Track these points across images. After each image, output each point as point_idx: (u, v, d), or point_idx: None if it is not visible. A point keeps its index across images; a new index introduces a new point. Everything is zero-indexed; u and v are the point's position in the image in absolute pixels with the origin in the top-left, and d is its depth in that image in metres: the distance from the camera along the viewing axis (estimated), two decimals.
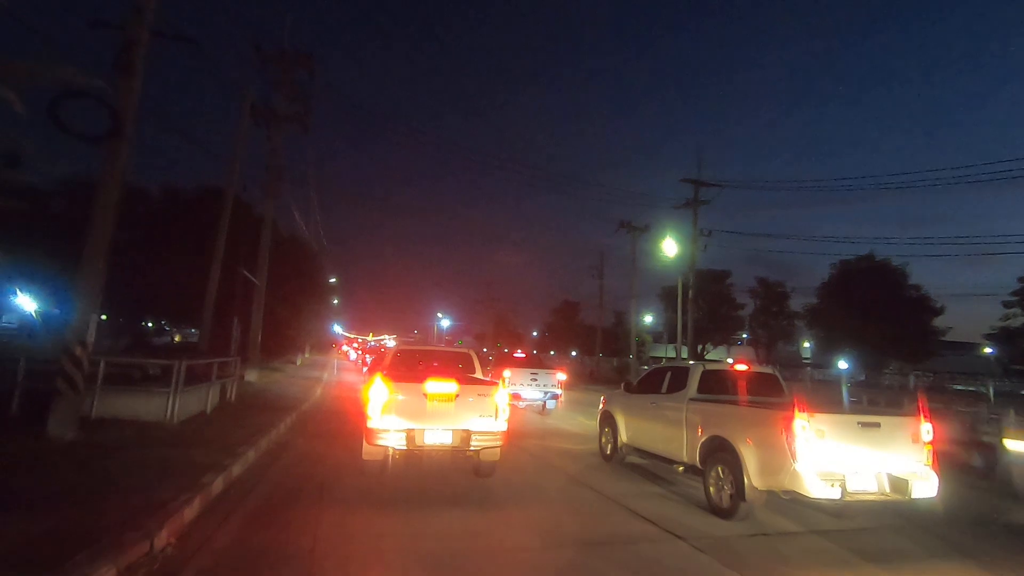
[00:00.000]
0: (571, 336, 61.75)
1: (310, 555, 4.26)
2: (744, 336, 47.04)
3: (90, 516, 4.25)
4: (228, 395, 11.53)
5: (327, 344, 67.48)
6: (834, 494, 5.01)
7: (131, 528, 4.03)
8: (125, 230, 20.61)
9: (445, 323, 79.03)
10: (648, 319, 48.45)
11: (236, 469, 6.32)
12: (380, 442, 6.14)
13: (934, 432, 5.58)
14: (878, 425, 5.48)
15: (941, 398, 22.31)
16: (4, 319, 36.37)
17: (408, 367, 7.92)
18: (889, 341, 30.42)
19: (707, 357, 39.41)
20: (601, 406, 9.20)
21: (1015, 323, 29.63)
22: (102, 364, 7.91)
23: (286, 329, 26.12)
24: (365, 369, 27.27)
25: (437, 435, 6.25)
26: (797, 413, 5.20)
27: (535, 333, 72.38)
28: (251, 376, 16.75)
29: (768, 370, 8.07)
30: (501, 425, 6.47)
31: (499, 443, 6.50)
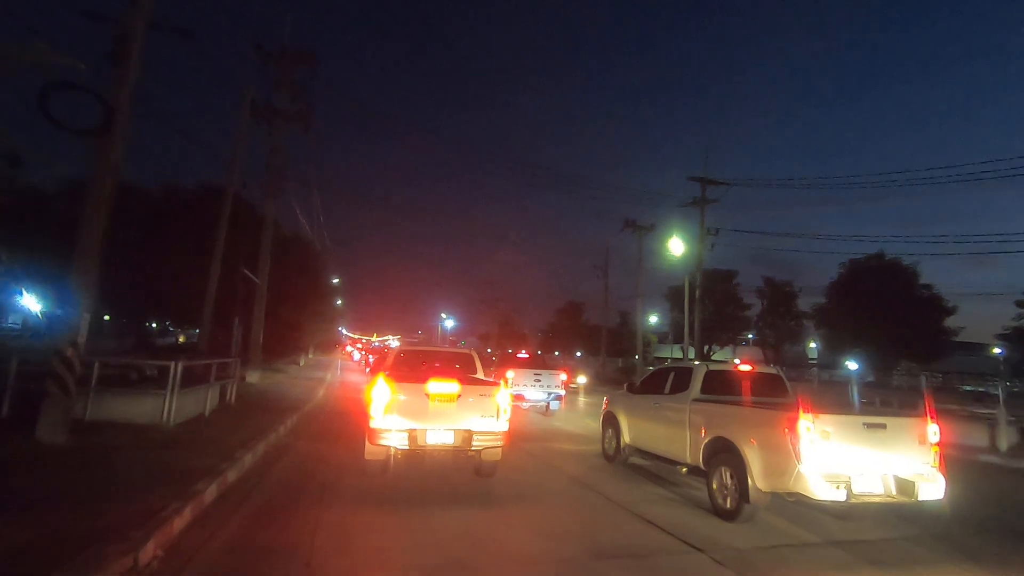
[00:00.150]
0: (575, 336, 61.43)
1: (305, 568, 4.01)
2: (750, 336, 46.60)
3: (72, 527, 4.01)
4: (228, 397, 11.32)
5: (331, 345, 67.44)
6: (839, 496, 4.92)
7: (115, 540, 3.78)
8: (126, 230, 20.50)
9: (449, 323, 78.88)
10: (653, 319, 48.10)
11: (231, 475, 6.07)
12: (382, 442, 6.17)
13: (940, 434, 5.47)
14: (884, 426, 5.38)
15: (954, 400, 21.96)
16: (10, 320, 36.47)
17: (410, 367, 7.92)
18: (899, 341, 29.94)
19: (713, 358, 39.03)
20: (604, 407, 9.13)
21: None
22: (96, 365, 7.69)
23: (289, 330, 25.95)
24: (368, 370, 27.10)
25: (439, 435, 6.29)
26: (801, 414, 5.10)
27: (539, 333, 72.07)
28: (252, 377, 16.55)
29: (772, 370, 7.96)
30: (503, 425, 6.51)
31: (501, 443, 6.53)
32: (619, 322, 53.13)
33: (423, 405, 6.30)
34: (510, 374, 14.98)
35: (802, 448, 5.05)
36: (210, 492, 5.35)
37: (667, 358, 40.91)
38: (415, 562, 4.30)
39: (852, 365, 30.83)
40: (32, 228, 19.14)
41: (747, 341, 46.82)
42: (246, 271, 15.58)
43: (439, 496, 6.16)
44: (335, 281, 41.58)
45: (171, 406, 8.03)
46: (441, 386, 6.41)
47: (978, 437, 13.37)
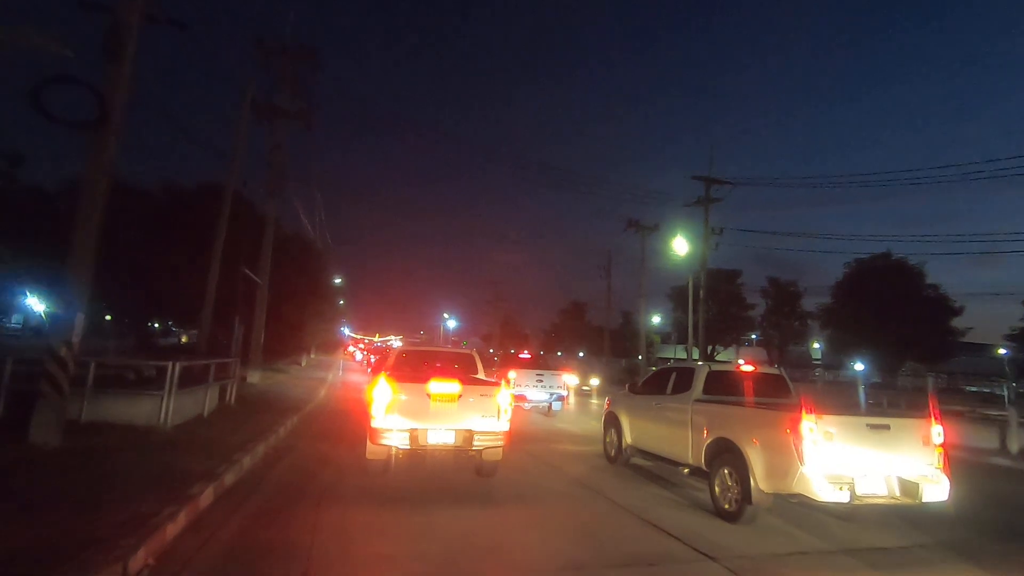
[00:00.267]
0: (578, 337, 61.22)
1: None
2: (753, 336, 46.32)
3: (60, 534, 3.86)
4: (227, 397, 11.17)
5: (333, 345, 67.33)
6: (842, 498, 4.88)
7: (104, 548, 3.63)
8: (127, 230, 20.41)
9: (451, 324, 78.71)
10: (656, 319, 47.82)
11: (229, 478, 5.92)
12: (384, 441, 6.22)
13: (944, 435, 5.41)
14: (887, 427, 5.33)
15: (959, 401, 21.70)
16: (13, 320, 36.47)
17: (411, 367, 7.95)
18: (905, 342, 29.67)
19: (717, 358, 38.79)
20: (605, 407, 9.09)
21: None
22: (92, 366, 7.54)
23: (290, 330, 25.82)
24: (370, 370, 26.98)
25: (440, 435, 6.33)
26: (804, 415, 5.05)
27: (542, 334, 71.86)
28: (253, 377, 16.42)
29: (775, 371, 7.93)
30: (503, 425, 6.55)
31: (501, 443, 6.57)
32: (622, 322, 52.90)
33: (424, 405, 6.32)
34: (512, 374, 14.93)
35: (805, 449, 5.00)
36: (206, 496, 5.19)
37: (670, 358, 40.64)
38: (419, 571, 4.17)
39: (858, 366, 30.52)
40: (35, 227, 19.10)
41: (750, 341, 46.55)
42: (247, 271, 15.45)
43: (440, 498, 6.10)
44: (337, 281, 41.44)
45: (168, 407, 7.88)
46: (442, 386, 6.43)
47: (987, 439, 13.14)
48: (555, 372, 16.14)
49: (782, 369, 8.26)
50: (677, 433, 6.85)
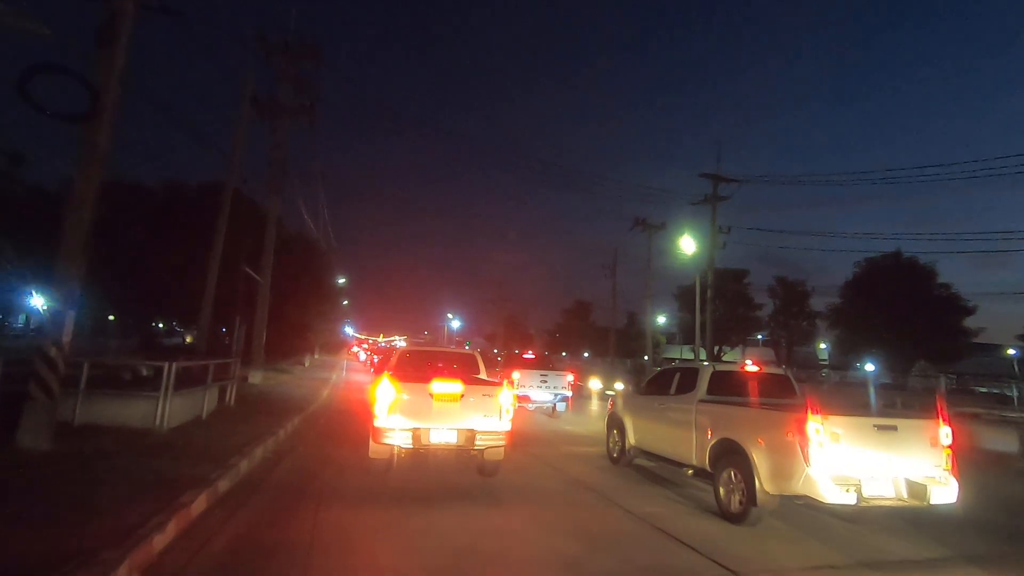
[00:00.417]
0: (583, 337, 60.87)
1: None
2: (759, 337, 45.86)
3: (39, 547, 3.60)
4: (227, 398, 10.93)
5: (337, 345, 67.21)
6: (849, 500, 4.82)
7: (84, 562, 3.37)
8: (129, 229, 20.26)
9: (455, 324, 78.54)
10: (661, 320, 47.44)
11: (223, 484, 5.65)
12: (387, 441, 6.27)
13: (953, 436, 5.34)
14: (895, 428, 5.29)
15: (971, 402, 21.22)
16: (19, 320, 36.50)
17: (414, 367, 7.99)
18: (916, 342, 29.18)
19: (724, 358, 38.37)
20: (609, 408, 9.07)
21: None
22: (85, 366, 7.31)
23: (293, 330, 25.63)
24: (373, 370, 26.78)
25: (442, 434, 6.37)
26: (810, 415, 5.00)
27: (546, 334, 71.53)
28: (255, 378, 16.21)
29: (780, 371, 7.88)
30: (505, 425, 6.58)
31: (503, 442, 6.60)
32: (627, 323, 52.55)
33: (427, 405, 6.37)
34: (516, 375, 14.85)
35: (811, 450, 4.94)
36: (198, 503, 4.93)
37: (675, 359, 40.29)
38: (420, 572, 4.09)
39: (869, 367, 30.07)
40: (36, 227, 18.97)
41: (756, 342, 46.10)
42: (248, 269, 15.22)
43: (443, 498, 6.08)
44: (341, 281, 41.28)
45: (165, 409, 7.64)
46: (444, 386, 6.47)
47: (1006, 442, 12.76)
48: (559, 373, 16.00)
49: (787, 369, 8.17)
50: (681, 434, 6.79)
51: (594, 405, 20.07)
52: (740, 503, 5.58)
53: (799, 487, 5.01)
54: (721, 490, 5.90)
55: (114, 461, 5.88)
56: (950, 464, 5.26)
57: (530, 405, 15.09)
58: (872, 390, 23.18)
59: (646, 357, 31.82)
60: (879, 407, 19.39)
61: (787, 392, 7.10)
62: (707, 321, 25.32)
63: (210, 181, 20.79)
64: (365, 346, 66.71)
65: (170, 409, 7.77)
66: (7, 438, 5.84)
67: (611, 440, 8.71)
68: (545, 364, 17.14)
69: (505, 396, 6.66)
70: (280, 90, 16.50)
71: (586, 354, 59.28)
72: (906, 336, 28.99)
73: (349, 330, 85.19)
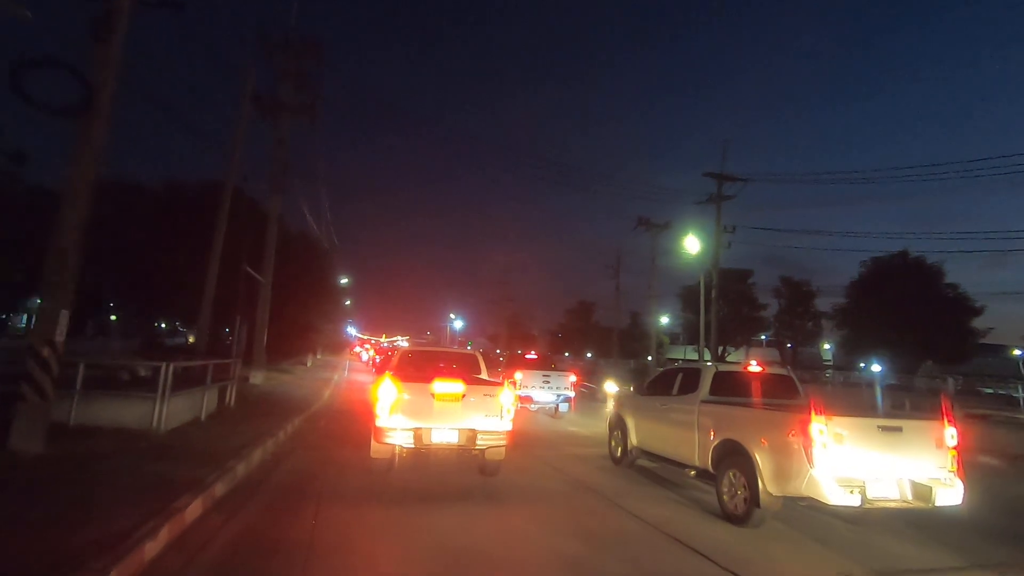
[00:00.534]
0: (586, 337, 60.66)
1: None
2: (763, 337, 45.58)
3: (20, 554, 3.46)
4: (227, 399, 10.79)
5: (340, 345, 67.14)
6: (853, 501, 4.80)
7: (72, 572, 3.22)
8: (131, 228, 20.16)
9: (458, 324, 78.39)
10: (664, 320, 47.20)
11: (220, 487, 5.50)
12: (388, 440, 6.30)
13: (958, 437, 5.31)
14: (900, 429, 5.25)
15: (978, 403, 20.95)
16: (21, 319, 36.50)
17: (415, 367, 8.02)
18: (923, 342, 28.86)
19: (728, 359, 38.09)
20: (611, 408, 9.12)
21: None
22: (81, 366, 7.17)
23: (295, 330, 25.52)
24: (375, 370, 26.64)
25: (444, 434, 6.40)
26: (814, 416, 4.96)
27: (549, 334, 71.32)
28: (256, 378, 16.09)
29: (783, 372, 7.88)
30: (506, 424, 6.61)
31: (504, 442, 6.64)
32: (630, 323, 52.32)
33: (428, 404, 6.40)
34: (518, 375, 14.76)
35: (814, 451, 4.90)
36: (193, 509, 4.77)
37: (678, 359, 40.02)
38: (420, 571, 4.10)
39: (875, 367, 29.77)
40: (42, 227, 18.88)
41: (760, 342, 45.80)
42: (249, 269, 15.09)
43: (444, 497, 6.10)
44: (343, 281, 41.20)
45: (162, 410, 7.49)
46: (446, 386, 6.50)
47: (1017, 444, 12.53)
48: (562, 373, 15.85)
49: (790, 370, 8.09)
50: (683, 435, 6.76)
51: (609, 407, 19.79)
52: (743, 504, 5.55)
53: (803, 488, 4.97)
54: (724, 491, 5.85)
55: (107, 464, 5.73)
56: (956, 466, 5.20)
57: (532, 406, 14.96)
58: (879, 391, 22.92)
59: (650, 358, 31.61)
60: (887, 408, 19.18)
61: (790, 393, 7.06)
62: (712, 321, 25.10)
63: (211, 180, 20.69)
64: (368, 346, 66.64)
65: (167, 410, 7.62)
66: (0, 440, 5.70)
67: (613, 441, 8.69)
68: (548, 364, 16.98)
69: (506, 396, 6.68)
70: (281, 88, 16.38)
71: (589, 355, 59.05)
72: (913, 336, 28.67)
73: (352, 330, 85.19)
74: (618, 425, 8.55)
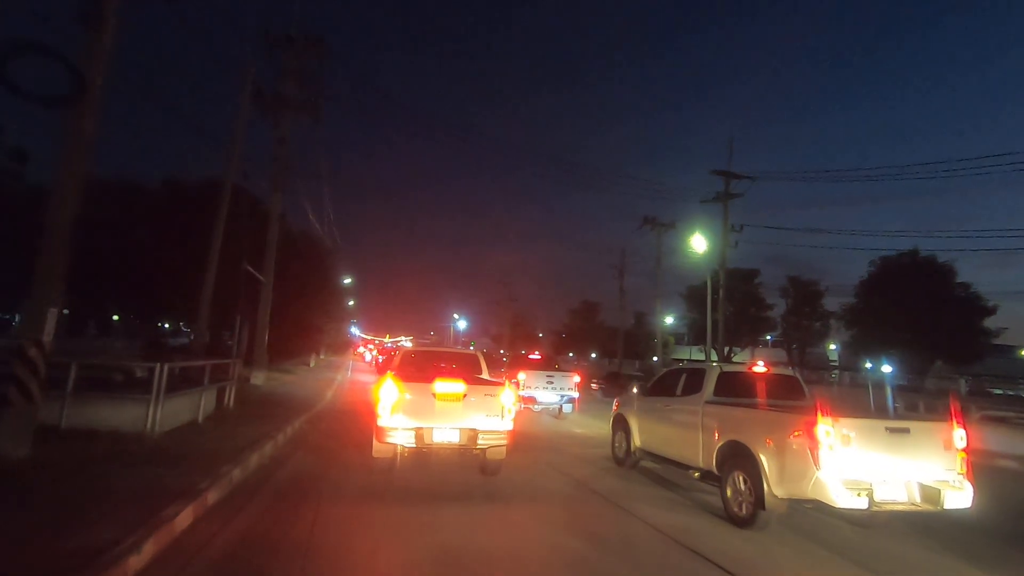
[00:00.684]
0: (590, 338, 60.28)
1: None
2: (768, 338, 45.13)
3: None
4: (226, 400, 10.54)
5: (344, 346, 67.05)
6: (861, 504, 4.74)
7: None
8: (131, 227, 19.99)
9: (462, 325, 78.16)
10: (669, 320, 46.81)
11: (213, 495, 5.24)
12: (390, 440, 6.34)
13: (967, 439, 5.24)
14: (907, 431, 5.18)
15: (994, 405, 20.51)
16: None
17: (417, 367, 8.04)
18: (934, 343, 28.38)
19: (734, 359, 37.68)
20: (614, 409, 9.00)
21: None
22: (73, 367, 6.92)
23: (298, 330, 25.29)
24: (377, 370, 26.45)
25: (445, 433, 6.43)
26: (820, 417, 4.91)
27: (552, 334, 70.97)
28: (257, 379, 15.86)
29: (788, 372, 7.75)
30: (507, 424, 6.63)
31: (505, 442, 6.66)
32: (634, 323, 51.92)
33: (429, 404, 6.44)
34: (521, 376, 14.62)
35: (821, 453, 4.84)
36: (183, 518, 4.51)
37: (683, 360, 39.63)
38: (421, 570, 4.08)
39: (886, 368, 29.31)
40: (37, 226, 18.72)
41: (765, 343, 45.34)
42: (249, 268, 14.86)
43: (445, 499, 6.05)
44: (347, 281, 41.01)
45: (155, 413, 7.23)
46: (447, 386, 6.54)
47: None
48: (566, 374, 15.72)
49: (796, 370, 7.95)
50: (687, 436, 6.70)
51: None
52: (747, 507, 5.48)
53: (809, 491, 4.91)
54: (728, 493, 5.79)
55: (96, 468, 5.47)
56: (965, 468, 5.13)
57: (536, 407, 14.82)
58: (889, 392, 22.51)
59: (655, 358, 31.26)
60: (899, 410, 18.78)
61: (796, 393, 6.99)
62: (719, 321, 24.76)
63: (213, 178, 20.52)
64: (371, 346, 66.49)
65: (162, 412, 7.37)
66: None
67: (616, 442, 8.64)
68: (551, 365, 16.83)
69: (507, 396, 6.70)
70: (283, 84, 16.15)
71: (593, 355, 58.72)
72: (923, 337, 28.19)
73: (355, 330, 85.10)
74: (621, 426, 8.48)
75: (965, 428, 5.27)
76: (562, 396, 14.86)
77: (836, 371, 40.40)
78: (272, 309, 17.02)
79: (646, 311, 49.79)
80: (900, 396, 22.14)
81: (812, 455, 4.88)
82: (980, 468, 8.76)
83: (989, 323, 28.91)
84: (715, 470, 6.14)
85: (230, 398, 10.70)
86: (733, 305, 32.81)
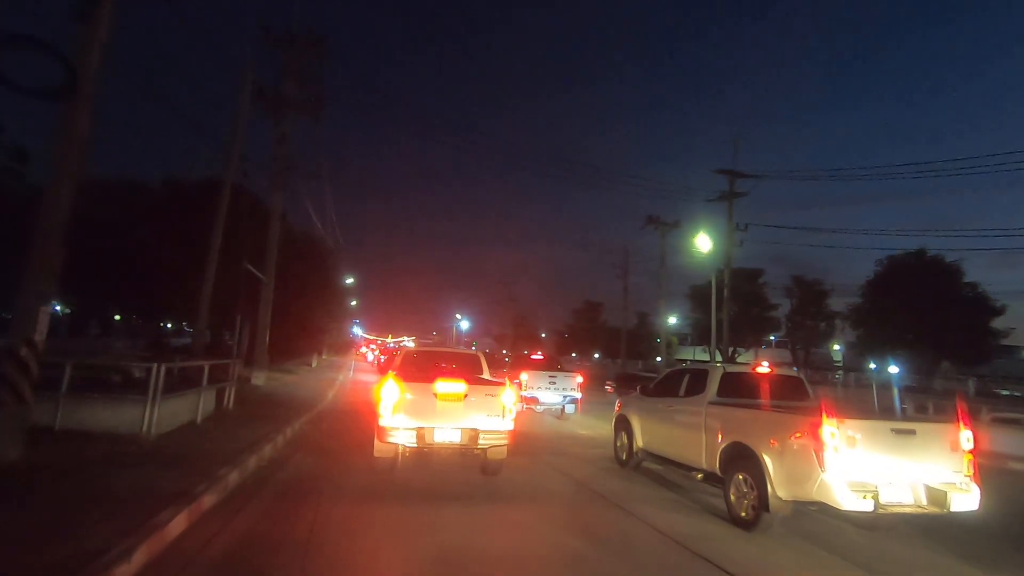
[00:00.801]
0: (593, 338, 60.05)
1: None
2: (771, 338, 44.82)
3: None
4: (226, 401, 10.41)
5: (346, 346, 67.02)
6: (866, 506, 4.68)
7: None
8: (132, 227, 19.90)
9: (464, 325, 78.04)
10: (672, 320, 46.55)
11: (209, 499, 5.09)
12: (391, 440, 6.35)
13: (974, 441, 5.18)
14: (913, 432, 5.12)
15: (1001, 406, 20.23)
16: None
17: (418, 368, 8.08)
18: (941, 343, 28.05)
19: (738, 360, 37.44)
20: (616, 410, 8.98)
21: None
22: (68, 367, 6.80)
23: (300, 330, 25.18)
24: (378, 371, 26.34)
25: (446, 433, 6.46)
26: (825, 419, 4.85)
27: (554, 334, 70.79)
28: (258, 379, 15.74)
29: (792, 373, 7.71)
30: (508, 424, 6.64)
31: (506, 441, 6.68)
32: (637, 323, 51.68)
33: (431, 404, 6.47)
34: (524, 376, 14.50)
35: (826, 455, 4.79)
36: (177, 523, 4.36)
37: (686, 360, 39.42)
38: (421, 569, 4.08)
39: (892, 368, 29.01)
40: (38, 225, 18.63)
41: (768, 343, 45.06)
42: (250, 267, 14.74)
43: (446, 499, 6.05)
44: (349, 281, 40.93)
45: (152, 414, 7.09)
46: (448, 386, 6.58)
47: None
48: (568, 374, 15.60)
49: (799, 371, 7.85)
50: (690, 437, 6.65)
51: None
52: (752, 509, 5.42)
53: (814, 493, 4.86)
54: (732, 495, 5.73)
55: (89, 471, 5.34)
56: (972, 470, 5.08)
57: (538, 407, 14.71)
58: (896, 393, 22.26)
59: (659, 359, 31.05)
60: (907, 411, 18.54)
61: (800, 394, 6.95)
62: (724, 321, 24.56)
63: (213, 178, 20.44)
64: (373, 347, 66.44)
65: (159, 414, 7.23)
66: None
67: (618, 443, 8.58)
68: (554, 365, 16.69)
69: (508, 396, 6.71)
70: (284, 82, 16.04)
71: (596, 355, 58.51)
72: (930, 337, 27.87)
73: (358, 330, 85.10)
74: (623, 427, 8.43)
75: (972, 429, 5.20)
76: (565, 397, 14.75)
77: (840, 372, 40.09)
78: (273, 309, 16.91)
79: (649, 311, 49.65)
80: (908, 397, 21.87)
81: (817, 457, 4.83)
82: (991, 471, 8.65)
83: (997, 324, 28.57)
84: (718, 472, 6.10)
85: (230, 399, 10.57)
86: (737, 305, 32.61)
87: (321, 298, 26.78)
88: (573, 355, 57.26)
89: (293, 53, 16.08)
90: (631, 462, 8.15)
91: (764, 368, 7.20)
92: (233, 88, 13.53)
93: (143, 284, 20.81)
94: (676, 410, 7.21)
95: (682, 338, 52.60)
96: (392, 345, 62.04)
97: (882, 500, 4.73)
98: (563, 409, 14.76)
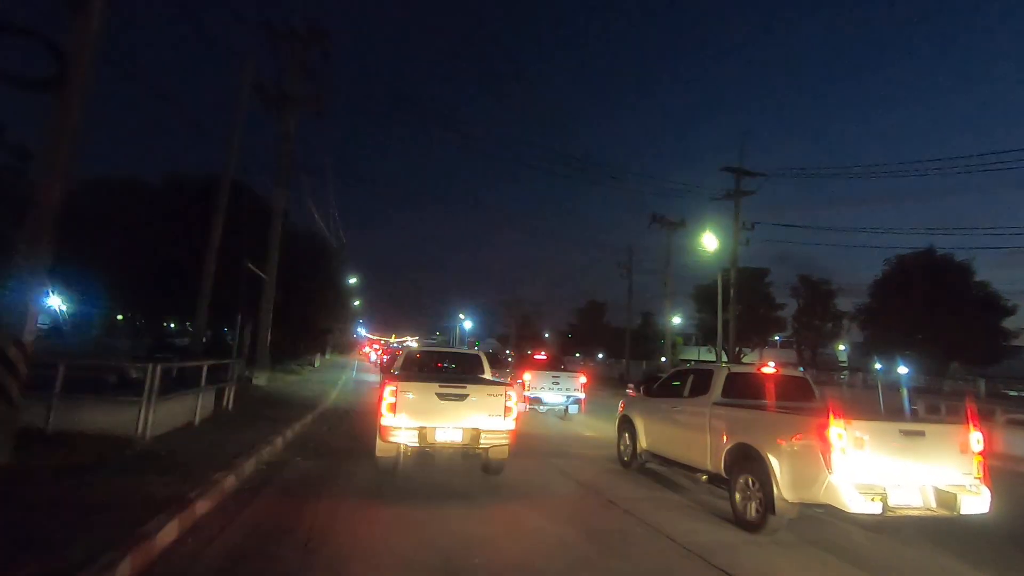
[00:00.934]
0: (597, 338, 59.79)
1: None
2: (776, 338, 44.47)
3: None
4: (225, 402, 10.22)
5: (349, 346, 66.97)
6: (874, 509, 4.58)
7: None
8: (133, 226, 19.77)
9: (468, 325, 77.89)
10: (677, 320, 46.19)
11: (203, 505, 4.89)
12: (393, 439, 6.34)
13: (984, 442, 5.06)
14: (922, 434, 5.02)
15: (1011, 406, 19.84)
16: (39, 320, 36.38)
17: (420, 367, 8.16)
18: (951, 343, 27.68)
19: (744, 360, 37.09)
20: (619, 410, 8.90)
21: None
22: (61, 368, 6.60)
23: (302, 329, 25.04)
24: (381, 370, 26.17)
25: (448, 433, 6.46)
26: (832, 420, 4.76)
27: (558, 335, 70.51)
28: (260, 379, 15.56)
29: (798, 373, 7.62)
30: (509, 424, 6.64)
31: (507, 441, 6.67)
32: (641, 323, 51.37)
33: (432, 404, 6.48)
34: (527, 376, 14.41)
35: (833, 456, 4.70)
36: (167, 532, 4.15)
37: (691, 360, 39.05)
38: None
39: (902, 369, 28.64)
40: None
41: (774, 343, 44.69)
42: (251, 266, 14.57)
43: (447, 499, 6.07)
44: (352, 281, 40.79)
45: (147, 416, 6.90)
46: (450, 385, 6.64)
47: None
48: (572, 374, 15.44)
49: (805, 371, 7.64)
50: (694, 438, 6.57)
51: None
52: (757, 511, 5.36)
53: (821, 495, 4.78)
54: (737, 497, 5.66)
55: (78, 476, 5.13)
56: (982, 472, 4.98)
57: (541, 407, 14.56)
58: (905, 393, 21.92)
59: (664, 359, 30.75)
60: (917, 412, 18.18)
61: (806, 395, 6.86)
62: (730, 321, 24.27)
63: (215, 175, 20.29)
64: (376, 347, 66.35)
65: (155, 415, 7.04)
66: None
67: (622, 444, 8.49)
68: (557, 365, 16.50)
69: (509, 396, 6.73)
70: (287, 79, 15.86)
71: (600, 355, 58.22)
72: (940, 337, 27.50)
73: (361, 330, 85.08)
74: (627, 428, 8.34)
75: (982, 431, 5.09)
76: (568, 397, 14.62)
77: (846, 372, 39.72)
78: (276, 308, 16.73)
79: (654, 311, 49.26)
80: (918, 398, 21.53)
81: (824, 458, 4.74)
82: (1005, 473, 8.37)
83: (1007, 324, 28.15)
84: (723, 473, 6.01)
85: (229, 399, 10.38)
86: (743, 305, 32.29)
87: (324, 297, 26.63)
88: (577, 355, 56.98)
89: (296, 48, 15.89)
90: (635, 463, 8.06)
91: (769, 368, 7.08)
92: (234, 83, 13.34)
93: (145, 283, 20.70)
94: (680, 411, 7.12)
95: (687, 338, 52.28)
96: (395, 345, 61.96)
97: (890, 502, 4.65)
98: (566, 409, 14.63)
